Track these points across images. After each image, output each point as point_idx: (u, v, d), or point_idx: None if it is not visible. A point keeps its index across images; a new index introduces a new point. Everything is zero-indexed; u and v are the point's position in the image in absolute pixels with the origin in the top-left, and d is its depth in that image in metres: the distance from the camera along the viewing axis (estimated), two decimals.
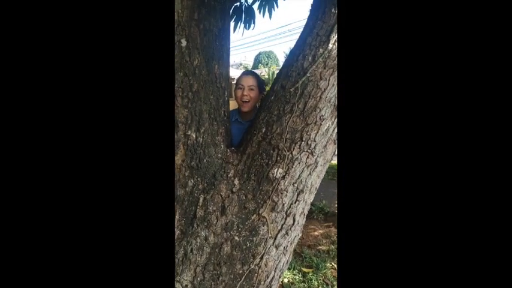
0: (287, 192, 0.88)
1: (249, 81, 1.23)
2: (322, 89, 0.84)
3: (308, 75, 0.84)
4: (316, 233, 2.37)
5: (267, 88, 1.60)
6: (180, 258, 0.86)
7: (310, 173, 0.90)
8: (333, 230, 2.41)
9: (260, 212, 0.88)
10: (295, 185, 0.89)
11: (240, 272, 0.88)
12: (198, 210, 0.87)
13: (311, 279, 1.75)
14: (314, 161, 0.89)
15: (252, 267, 0.88)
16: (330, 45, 0.83)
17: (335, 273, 1.81)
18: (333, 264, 1.92)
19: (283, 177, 0.87)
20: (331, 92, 0.85)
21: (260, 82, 1.27)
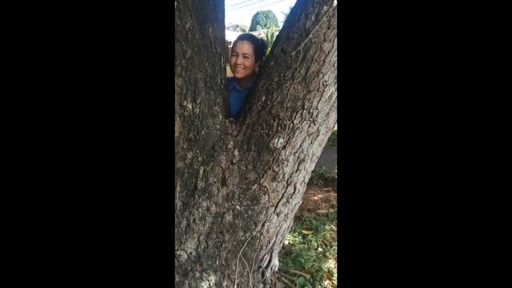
0: (288, 162, 0.87)
1: (244, 48, 1.11)
2: (326, 52, 0.78)
3: (311, 36, 0.77)
4: (315, 198, 2.44)
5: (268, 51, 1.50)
6: (183, 228, 0.88)
7: (311, 142, 0.88)
8: (332, 195, 2.48)
9: (261, 182, 0.87)
10: (296, 154, 0.87)
11: (243, 238, 0.90)
12: (198, 182, 0.87)
13: (311, 241, 1.84)
14: (316, 129, 0.86)
15: (254, 233, 0.91)
16: (335, 2, 0.74)
17: (334, 235, 1.90)
18: (331, 226, 2.00)
19: (284, 147, 0.85)
20: (336, 55, 0.79)
21: (258, 47, 1.16)
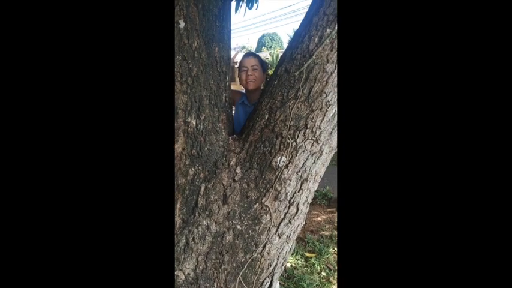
0: (290, 181, 0.86)
1: (251, 62, 1.24)
2: (329, 73, 0.79)
3: (314, 57, 0.79)
4: (319, 219, 2.38)
5: (271, 72, 1.56)
6: (182, 247, 0.85)
7: (314, 161, 0.87)
8: (336, 216, 2.42)
9: (263, 201, 0.86)
10: (299, 173, 0.86)
11: (243, 260, 0.87)
12: (199, 199, 0.86)
13: (314, 264, 1.77)
14: (319, 149, 0.86)
15: (255, 255, 0.88)
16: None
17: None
18: (335, 249, 1.93)
19: (287, 166, 0.84)
20: None
21: (262, 61, 1.29)
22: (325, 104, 0.81)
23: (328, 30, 0.78)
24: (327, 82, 0.80)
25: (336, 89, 0.81)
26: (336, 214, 2.45)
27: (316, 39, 0.79)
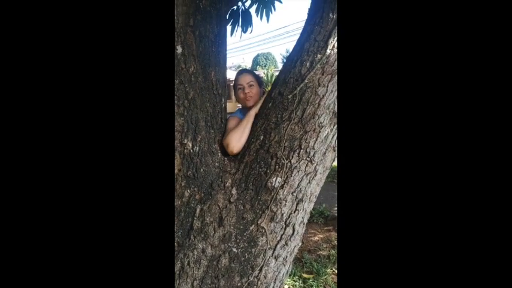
0: (286, 201, 0.86)
1: (247, 79, 1.21)
2: (321, 96, 0.82)
3: (306, 81, 0.82)
4: (316, 238, 2.35)
5: (268, 88, 1.60)
6: (177, 272, 0.83)
7: (309, 182, 0.88)
8: (333, 234, 2.39)
9: (259, 222, 0.85)
10: (294, 194, 0.86)
11: (239, 284, 0.85)
12: (194, 221, 0.85)
13: (312, 286, 1.72)
14: (313, 169, 0.87)
15: (251, 279, 0.86)
16: (328, 51, 0.81)
17: (336, 279, 1.79)
18: (333, 269, 1.89)
19: (282, 186, 0.85)
20: (330, 99, 0.83)
21: (256, 76, 1.26)
22: (318, 126, 0.83)
23: (319, 56, 0.81)
24: (319, 104, 0.82)
25: (328, 111, 0.84)
26: (333, 233, 2.42)
27: (308, 64, 0.82)
